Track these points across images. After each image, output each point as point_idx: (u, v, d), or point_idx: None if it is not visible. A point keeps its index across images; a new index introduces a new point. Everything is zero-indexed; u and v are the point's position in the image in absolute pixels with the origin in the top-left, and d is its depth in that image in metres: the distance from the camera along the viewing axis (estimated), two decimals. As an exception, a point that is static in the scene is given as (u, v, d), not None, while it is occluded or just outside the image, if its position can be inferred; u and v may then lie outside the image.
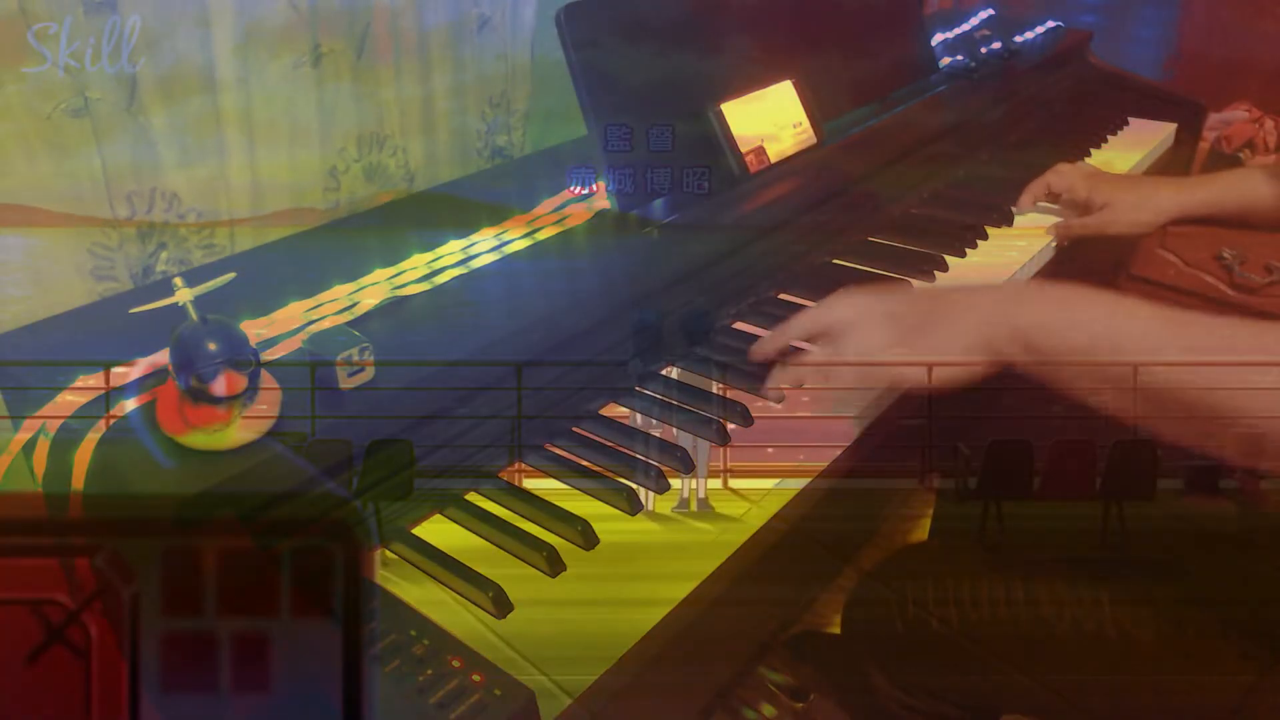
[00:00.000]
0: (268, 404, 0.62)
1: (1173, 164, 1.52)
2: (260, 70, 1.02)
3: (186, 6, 0.95)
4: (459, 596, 0.63)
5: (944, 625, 0.86)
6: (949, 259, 1.07)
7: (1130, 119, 1.53)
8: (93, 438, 0.62)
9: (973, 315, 0.69)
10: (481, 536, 0.69)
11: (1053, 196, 1.17)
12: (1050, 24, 1.61)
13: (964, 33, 1.45)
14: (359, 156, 1.16)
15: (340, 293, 0.78)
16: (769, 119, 1.02)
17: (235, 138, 1.03)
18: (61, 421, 0.64)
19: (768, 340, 0.82)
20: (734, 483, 0.74)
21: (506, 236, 0.87)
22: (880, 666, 0.92)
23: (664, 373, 0.87)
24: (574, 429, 0.80)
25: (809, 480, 0.77)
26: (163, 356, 0.66)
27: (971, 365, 0.69)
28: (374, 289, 0.78)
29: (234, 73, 1.00)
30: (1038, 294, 0.73)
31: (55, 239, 0.95)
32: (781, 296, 1.00)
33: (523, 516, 0.70)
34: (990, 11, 1.56)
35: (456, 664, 0.56)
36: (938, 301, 0.73)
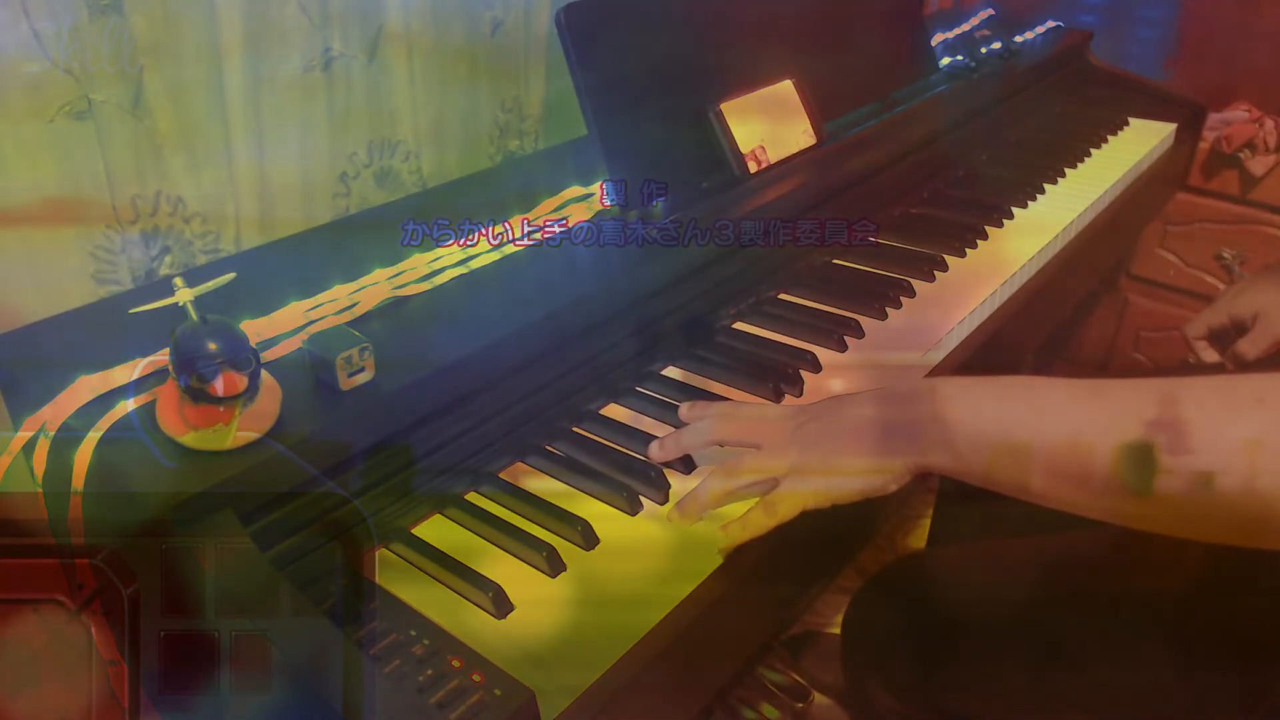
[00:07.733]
0: (268, 404, 0.62)
1: (1172, 164, 1.52)
2: (269, 74, 1.01)
3: (194, 8, 0.94)
4: (459, 596, 0.63)
5: (946, 625, 0.86)
6: (949, 259, 1.07)
7: (1130, 119, 1.53)
8: (93, 437, 0.62)
9: None
10: (481, 536, 0.69)
11: None
12: (1050, 24, 1.61)
13: (964, 33, 1.45)
14: (370, 162, 1.15)
15: (340, 293, 0.78)
16: (769, 119, 1.02)
17: (242, 143, 1.02)
18: (61, 421, 0.64)
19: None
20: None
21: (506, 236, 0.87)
22: (879, 668, 0.92)
23: (664, 373, 0.87)
24: (574, 429, 0.80)
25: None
26: (162, 356, 0.66)
27: None
28: (374, 289, 0.78)
29: (241, 76, 0.99)
30: None
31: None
32: (782, 296, 1.00)
33: (523, 516, 0.71)
34: (990, 11, 1.57)
35: (456, 664, 0.56)
36: None
